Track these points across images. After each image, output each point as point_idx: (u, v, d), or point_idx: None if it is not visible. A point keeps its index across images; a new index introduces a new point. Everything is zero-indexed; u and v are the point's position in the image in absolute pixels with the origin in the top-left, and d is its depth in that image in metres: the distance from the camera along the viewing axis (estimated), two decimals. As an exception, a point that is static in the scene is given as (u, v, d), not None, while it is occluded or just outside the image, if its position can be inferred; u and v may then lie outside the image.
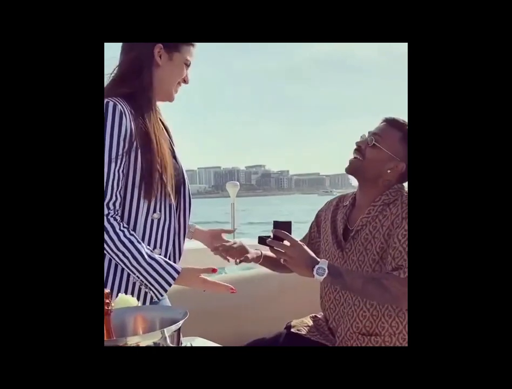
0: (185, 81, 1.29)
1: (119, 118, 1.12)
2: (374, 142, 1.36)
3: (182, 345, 1.08)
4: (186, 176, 1.32)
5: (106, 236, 1.11)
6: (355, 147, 1.41)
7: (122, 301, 0.90)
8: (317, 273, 1.18)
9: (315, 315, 1.55)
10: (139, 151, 1.15)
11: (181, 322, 0.74)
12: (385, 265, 1.30)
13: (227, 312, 1.74)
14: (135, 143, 1.14)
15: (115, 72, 1.22)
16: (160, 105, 1.31)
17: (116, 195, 1.14)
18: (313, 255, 1.21)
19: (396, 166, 1.36)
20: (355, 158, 1.40)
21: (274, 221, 1.24)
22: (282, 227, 1.22)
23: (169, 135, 1.33)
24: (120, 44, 1.25)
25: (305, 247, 1.21)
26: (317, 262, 1.19)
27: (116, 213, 1.15)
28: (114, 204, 1.14)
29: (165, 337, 0.70)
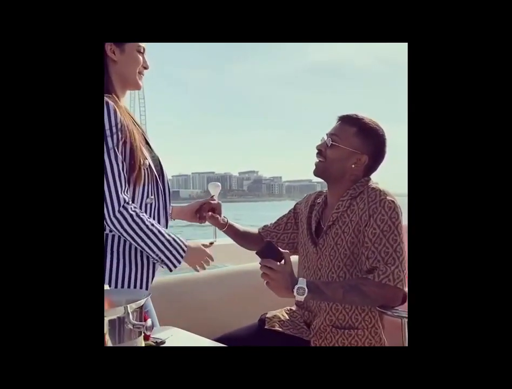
0: (145, 67, 1.33)
1: (113, 112, 1.18)
2: (331, 142, 1.42)
3: (158, 333, 1.11)
4: (162, 163, 1.38)
5: (131, 223, 1.19)
6: (316, 151, 1.46)
7: None
8: (297, 293, 1.22)
9: (290, 308, 1.57)
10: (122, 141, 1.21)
11: (143, 300, 0.78)
12: (357, 260, 1.35)
13: (208, 305, 1.78)
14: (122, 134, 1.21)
15: None
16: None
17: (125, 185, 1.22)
18: (293, 275, 1.24)
19: (358, 159, 1.41)
20: (319, 161, 1.45)
21: (256, 252, 1.26)
22: (266, 251, 1.24)
23: (139, 127, 1.39)
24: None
25: (287, 269, 1.23)
26: (297, 283, 1.22)
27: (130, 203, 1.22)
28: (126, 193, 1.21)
29: (128, 313, 0.71)
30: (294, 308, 1.57)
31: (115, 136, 1.17)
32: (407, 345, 1.32)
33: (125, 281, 1.26)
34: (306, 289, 1.21)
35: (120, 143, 1.19)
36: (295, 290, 1.21)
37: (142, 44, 1.30)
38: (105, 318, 0.72)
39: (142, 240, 1.22)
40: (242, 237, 1.64)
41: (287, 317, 1.52)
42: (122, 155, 1.20)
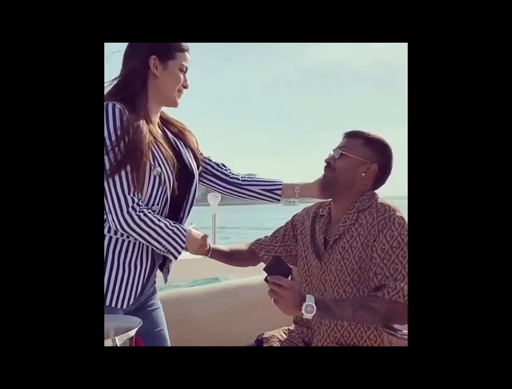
0: (184, 86, 1.34)
1: (119, 114, 1.18)
2: (340, 152, 1.41)
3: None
4: (196, 178, 1.38)
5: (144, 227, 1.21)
6: (324, 164, 1.44)
7: None
8: (305, 311, 1.17)
9: (288, 328, 1.52)
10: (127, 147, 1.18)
11: (133, 330, 0.72)
12: (364, 275, 1.31)
13: (204, 322, 1.74)
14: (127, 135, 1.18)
15: (114, 82, 1.28)
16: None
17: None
18: (301, 293, 1.20)
19: (368, 168, 1.40)
20: (328, 171, 1.43)
21: (264, 268, 1.22)
22: (275, 267, 1.21)
23: (178, 138, 1.39)
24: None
25: (296, 287, 1.19)
26: (304, 300, 1.18)
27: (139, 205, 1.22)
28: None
29: (116, 346, 0.66)
30: (291, 327, 1.52)
31: (119, 138, 1.16)
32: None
33: (122, 284, 1.24)
34: (315, 307, 1.17)
35: (123, 145, 1.17)
36: (303, 308, 1.16)
37: (186, 64, 1.30)
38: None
39: (150, 236, 1.22)
40: (230, 257, 1.58)
41: (285, 336, 1.47)
42: (127, 158, 1.18)
